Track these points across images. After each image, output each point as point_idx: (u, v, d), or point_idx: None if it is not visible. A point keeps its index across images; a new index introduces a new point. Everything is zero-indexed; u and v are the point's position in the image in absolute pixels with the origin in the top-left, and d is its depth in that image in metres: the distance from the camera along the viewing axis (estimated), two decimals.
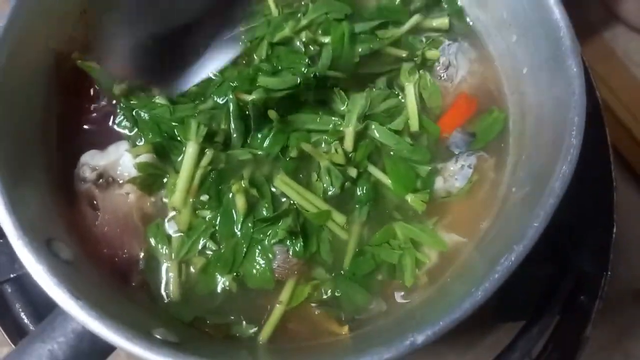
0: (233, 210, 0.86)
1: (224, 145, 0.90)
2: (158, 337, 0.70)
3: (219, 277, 0.85)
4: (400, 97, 0.96)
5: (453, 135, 0.95)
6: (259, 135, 0.90)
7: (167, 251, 0.86)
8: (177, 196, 0.86)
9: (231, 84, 0.91)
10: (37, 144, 0.85)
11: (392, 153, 0.93)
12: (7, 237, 0.68)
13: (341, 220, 0.86)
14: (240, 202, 0.84)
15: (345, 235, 0.86)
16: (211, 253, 0.85)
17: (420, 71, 0.96)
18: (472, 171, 0.91)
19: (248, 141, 0.91)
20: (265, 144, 0.89)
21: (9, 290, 0.94)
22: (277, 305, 0.83)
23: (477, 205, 0.91)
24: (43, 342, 0.68)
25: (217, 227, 0.86)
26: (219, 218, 0.86)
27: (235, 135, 0.90)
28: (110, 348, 0.69)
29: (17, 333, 0.91)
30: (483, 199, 0.92)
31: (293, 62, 0.94)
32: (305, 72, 0.92)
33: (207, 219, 0.86)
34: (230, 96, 0.89)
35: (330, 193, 0.88)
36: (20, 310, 0.93)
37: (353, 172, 0.89)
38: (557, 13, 0.79)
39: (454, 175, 0.92)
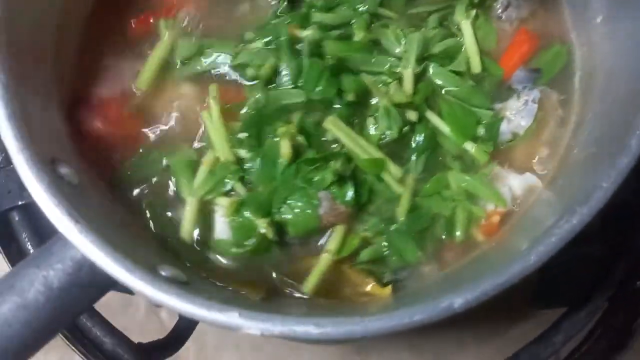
0: (275, 155, 0.77)
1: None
2: (164, 274, 0.63)
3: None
4: (457, 37, 0.87)
5: (516, 74, 0.85)
6: (311, 78, 0.80)
7: (187, 184, 0.78)
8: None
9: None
10: (52, 50, 0.78)
11: (450, 97, 0.84)
12: (7, 150, 0.61)
13: (397, 172, 0.78)
14: (285, 147, 0.76)
15: (399, 189, 0.78)
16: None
17: (477, 10, 0.88)
18: (537, 106, 0.82)
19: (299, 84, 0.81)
20: (318, 87, 0.80)
21: (17, 218, 0.89)
22: (324, 254, 0.75)
23: (544, 146, 0.83)
24: (38, 267, 0.61)
25: (251, 169, 0.78)
26: (257, 160, 0.77)
27: (285, 73, 0.81)
28: (111, 282, 0.62)
29: (21, 258, 0.85)
30: (550, 138, 0.83)
31: None
32: (358, 8, 0.85)
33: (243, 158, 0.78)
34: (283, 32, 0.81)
35: (386, 139, 0.80)
36: (26, 239, 0.88)
37: (413, 115, 0.80)
38: None
39: (518, 113, 0.83)
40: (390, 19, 0.87)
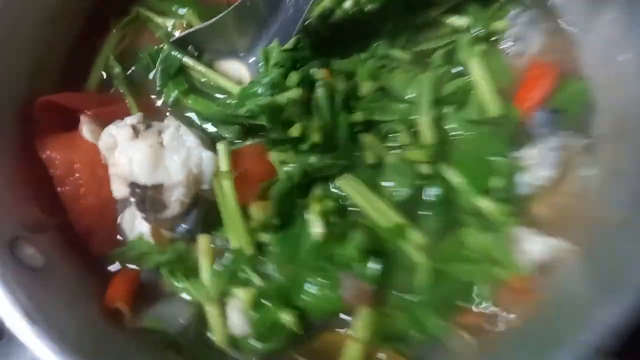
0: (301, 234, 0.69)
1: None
2: None
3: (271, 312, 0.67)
4: (465, 76, 0.80)
5: (535, 117, 0.77)
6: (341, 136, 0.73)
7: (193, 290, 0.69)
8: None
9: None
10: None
11: (463, 144, 0.76)
12: None
13: (418, 239, 0.70)
14: (318, 226, 0.68)
15: (421, 258, 0.70)
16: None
17: (484, 45, 0.80)
18: (559, 155, 0.74)
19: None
20: (341, 145, 0.73)
21: None
22: (351, 343, 0.67)
23: (569, 202, 0.74)
24: None
25: (270, 253, 0.69)
26: (277, 242, 0.69)
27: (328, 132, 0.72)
28: None
29: None
30: (575, 192, 0.74)
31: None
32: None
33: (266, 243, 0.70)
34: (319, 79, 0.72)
35: (398, 198, 0.72)
36: None
37: (425, 169, 0.73)
38: None
39: (538, 162, 0.74)
40: (398, 60, 0.80)
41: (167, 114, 0.79)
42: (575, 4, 0.82)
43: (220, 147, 0.71)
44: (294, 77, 0.71)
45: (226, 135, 0.74)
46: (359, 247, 0.67)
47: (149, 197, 0.66)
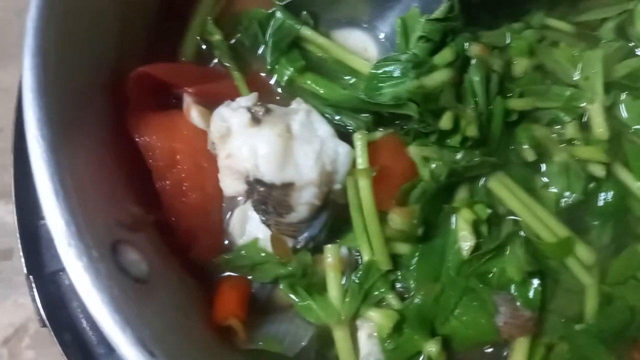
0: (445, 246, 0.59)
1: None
2: None
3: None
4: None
5: None
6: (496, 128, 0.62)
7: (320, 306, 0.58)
8: None
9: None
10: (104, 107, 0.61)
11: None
12: (55, 244, 0.47)
13: (588, 256, 0.60)
14: (468, 239, 0.57)
15: (589, 279, 0.60)
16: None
17: None
18: None
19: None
20: (496, 137, 0.62)
21: (66, 282, 0.72)
22: None
23: None
24: None
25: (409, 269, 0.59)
26: (417, 256, 0.59)
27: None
28: None
29: (72, 341, 0.70)
30: None
31: None
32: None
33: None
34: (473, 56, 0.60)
35: (563, 203, 0.61)
36: (78, 310, 0.71)
37: (599, 170, 0.62)
38: None
39: None
40: (560, 33, 0.68)
41: (277, 97, 0.67)
42: None
43: (358, 138, 0.58)
44: (447, 53, 0.59)
45: (351, 124, 0.62)
46: (521, 265, 0.56)
47: (273, 198, 0.55)
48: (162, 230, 0.60)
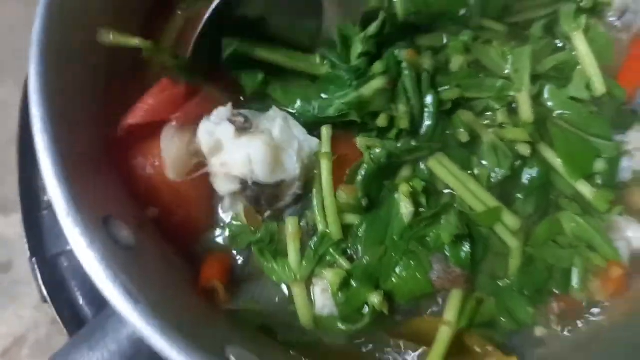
0: (390, 217, 0.68)
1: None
2: (232, 357, 0.54)
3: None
4: (568, 49, 0.76)
5: None
6: (428, 118, 0.71)
7: (281, 267, 0.68)
8: None
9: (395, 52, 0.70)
10: (99, 103, 0.69)
11: (564, 124, 0.73)
12: (56, 212, 0.55)
13: (513, 223, 0.68)
14: (407, 207, 0.67)
15: (514, 242, 0.68)
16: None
17: (587, 17, 0.76)
18: None
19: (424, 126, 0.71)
20: (429, 126, 0.70)
21: (65, 264, 0.81)
22: (443, 327, 0.66)
23: None
24: (91, 348, 0.54)
25: (358, 236, 0.68)
26: (365, 225, 0.68)
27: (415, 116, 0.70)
28: None
29: (70, 315, 0.79)
30: None
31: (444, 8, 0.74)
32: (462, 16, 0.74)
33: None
34: (404, 61, 0.69)
35: (494, 180, 0.69)
36: (75, 288, 0.80)
37: (525, 149, 0.69)
38: None
39: None
40: (493, 32, 0.76)
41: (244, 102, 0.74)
42: None
43: (324, 130, 0.69)
44: (379, 65, 0.68)
45: None
46: (452, 231, 0.65)
47: (266, 194, 0.66)
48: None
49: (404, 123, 0.68)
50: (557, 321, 0.69)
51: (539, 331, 0.69)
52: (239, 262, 0.70)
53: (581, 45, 0.74)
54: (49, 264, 0.83)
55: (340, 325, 0.66)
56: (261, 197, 0.66)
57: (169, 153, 0.67)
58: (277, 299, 0.68)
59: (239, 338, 0.61)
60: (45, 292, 0.81)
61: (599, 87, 0.72)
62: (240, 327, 0.66)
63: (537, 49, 0.74)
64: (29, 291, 0.93)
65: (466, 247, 0.66)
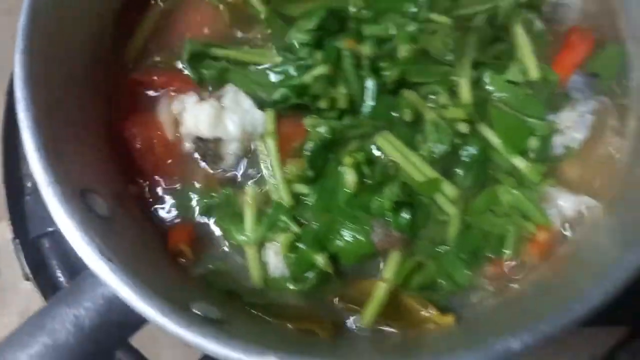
0: (336, 187, 0.75)
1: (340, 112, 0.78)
2: (197, 312, 0.60)
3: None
4: (507, 40, 0.83)
5: (573, 80, 0.81)
6: (369, 99, 0.78)
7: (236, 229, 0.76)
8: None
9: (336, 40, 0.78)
10: (81, 86, 0.75)
11: (502, 105, 0.80)
12: (37, 184, 0.60)
13: (452, 193, 0.75)
14: (351, 177, 0.74)
15: (452, 209, 0.75)
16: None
17: (526, 10, 0.83)
18: (593, 118, 0.78)
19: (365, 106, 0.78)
20: (371, 106, 0.77)
21: (47, 245, 0.87)
22: (380, 283, 0.73)
23: (600, 162, 0.78)
24: (68, 305, 0.60)
25: (308, 204, 0.76)
26: (316, 194, 0.75)
27: (355, 97, 0.78)
28: (143, 319, 0.59)
29: (52, 291, 0.85)
30: (607, 154, 0.79)
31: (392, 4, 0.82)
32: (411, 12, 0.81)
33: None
34: (344, 49, 0.76)
35: (436, 155, 0.76)
36: (56, 266, 0.86)
37: (464, 127, 0.76)
38: None
39: (572, 125, 0.79)
40: (439, 24, 0.82)
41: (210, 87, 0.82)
42: None
43: (268, 112, 0.77)
44: (318, 54, 0.77)
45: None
46: (393, 198, 0.72)
47: (210, 150, 0.76)
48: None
49: (342, 103, 0.75)
50: (490, 283, 0.75)
51: (474, 295, 0.74)
52: (205, 227, 0.77)
53: (519, 36, 0.81)
54: (31, 245, 0.88)
55: (290, 285, 0.73)
56: (206, 153, 0.76)
57: (165, 118, 0.80)
58: (239, 263, 0.75)
59: (205, 300, 0.66)
60: (28, 271, 0.86)
61: (533, 72, 0.79)
62: (207, 290, 0.73)
63: (479, 39, 0.80)
64: (15, 299, 0.99)
65: (405, 214, 0.73)
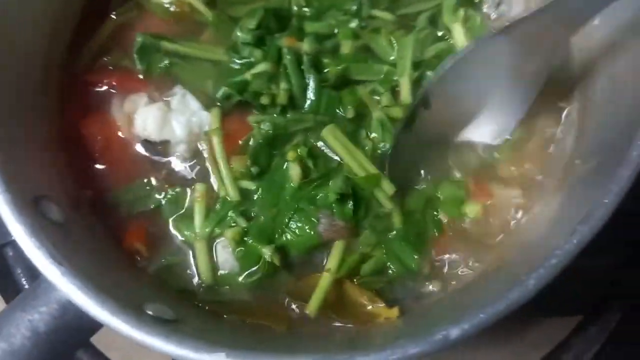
0: (282, 181, 0.78)
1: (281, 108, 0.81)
2: (151, 313, 0.61)
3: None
4: (448, 39, 0.85)
5: None
6: (311, 95, 0.81)
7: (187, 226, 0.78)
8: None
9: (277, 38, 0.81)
10: (35, 93, 0.77)
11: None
12: None
13: (389, 189, 0.77)
14: (296, 172, 0.76)
15: (390, 205, 0.77)
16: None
17: (466, 9, 0.85)
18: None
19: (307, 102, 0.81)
20: (312, 102, 0.80)
21: (10, 253, 0.88)
22: (325, 273, 0.75)
23: (531, 156, 0.82)
24: (23, 310, 0.61)
25: (255, 199, 0.78)
26: (261, 189, 0.78)
27: (296, 94, 0.81)
28: (98, 324, 0.61)
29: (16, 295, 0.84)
30: (536, 149, 0.82)
31: (334, 2, 0.85)
32: (353, 9, 0.83)
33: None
34: (284, 47, 0.79)
35: (380, 150, 0.79)
36: (20, 275, 0.87)
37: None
38: None
39: None
40: (382, 21, 0.85)
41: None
42: None
43: (213, 110, 0.80)
44: (256, 53, 0.80)
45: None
46: (336, 189, 0.74)
47: (159, 152, 0.79)
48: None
49: (282, 99, 0.78)
50: (435, 275, 0.78)
51: (421, 286, 0.77)
52: (158, 225, 0.79)
53: (459, 35, 0.84)
54: None
55: (239, 279, 0.75)
56: (154, 155, 0.79)
57: (119, 117, 0.82)
58: (190, 259, 0.77)
59: (160, 301, 0.68)
60: None
61: None
62: (161, 290, 0.74)
63: (420, 38, 0.83)
64: None
65: (349, 204, 0.75)
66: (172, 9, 0.86)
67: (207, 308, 0.74)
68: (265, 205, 0.77)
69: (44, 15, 0.78)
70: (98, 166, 0.81)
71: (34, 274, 0.87)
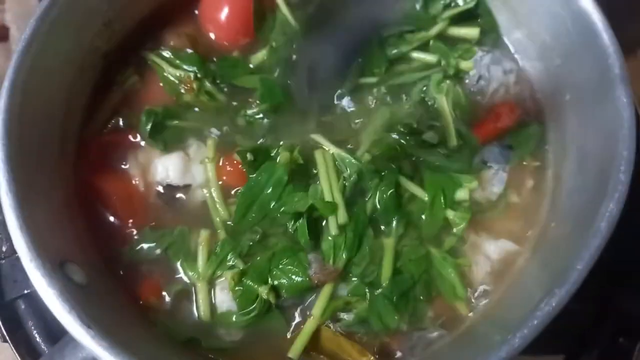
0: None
1: None
2: None
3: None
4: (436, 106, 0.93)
5: (490, 150, 0.92)
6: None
7: (191, 272, 0.85)
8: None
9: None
10: (54, 161, 0.82)
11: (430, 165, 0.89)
12: (20, 258, 0.65)
13: (342, 218, 0.81)
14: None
15: (336, 231, 0.81)
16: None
17: (450, 82, 0.93)
18: (507, 174, 0.89)
19: None
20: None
21: (23, 306, 0.91)
22: (309, 319, 0.80)
23: (521, 214, 0.89)
24: None
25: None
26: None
27: None
28: None
29: (28, 352, 0.88)
30: (525, 208, 0.89)
31: None
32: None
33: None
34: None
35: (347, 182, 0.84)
36: (32, 328, 0.90)
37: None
38: (606, 38, 0.74)
39: (490, 180, 0.90)
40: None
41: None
42: (530, 51, 0.97)
43: (209, 140, 0.92)
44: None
45: None
46: (300, 209, 0.81)
47: (176, 196, 0.90)
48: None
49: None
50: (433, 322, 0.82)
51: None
52: (169, 277, 0.85)
53: (442, 106, 0.92)
54: (7, 307, 0.92)
55: (235, 318, 0.81)
56: (170, 199, 0.89)
57: (135, 172, 0.91)
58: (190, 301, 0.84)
59: (172, 350, 0.73)
60: (4, 332, 0.90)
61: (452, 139, 0.90)
62: (172, 340, 0.79)
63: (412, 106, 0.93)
64: None
65: (340, 250, 0.82)
66: (182, 89, 0.95)
67: (211, 356, 0.80)
68: (260, 248, 0.84)
69: (59, 89, 0.84)
70: (113, 220, 0.88)
71: (47, 327, 0.90)
